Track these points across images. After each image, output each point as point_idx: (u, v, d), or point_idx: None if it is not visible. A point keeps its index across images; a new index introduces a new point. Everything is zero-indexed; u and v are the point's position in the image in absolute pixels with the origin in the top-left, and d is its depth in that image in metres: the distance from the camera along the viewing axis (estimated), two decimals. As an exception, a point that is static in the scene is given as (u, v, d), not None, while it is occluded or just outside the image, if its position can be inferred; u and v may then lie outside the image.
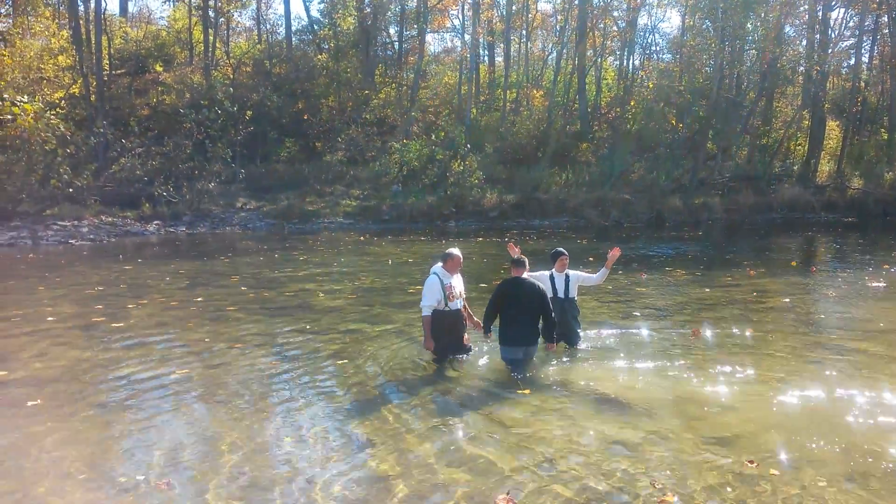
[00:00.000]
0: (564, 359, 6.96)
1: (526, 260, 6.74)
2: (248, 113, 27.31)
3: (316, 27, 38.47)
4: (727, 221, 26.97)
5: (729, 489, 4.12)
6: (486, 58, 40.89)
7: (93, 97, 26.98)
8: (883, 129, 35.95)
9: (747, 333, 8.21)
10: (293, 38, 37.06)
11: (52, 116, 22.10)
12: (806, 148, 33.95)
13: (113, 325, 8.67)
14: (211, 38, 32.93)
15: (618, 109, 36.02)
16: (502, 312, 6.59)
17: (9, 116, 21.09)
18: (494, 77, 38.70)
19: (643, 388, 6.05)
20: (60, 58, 26.53)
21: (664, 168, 30.28)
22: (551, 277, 7.26)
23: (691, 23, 34.04)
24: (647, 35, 41.51)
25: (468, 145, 28.25)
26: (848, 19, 36.64)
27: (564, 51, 37.14)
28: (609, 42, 38.62)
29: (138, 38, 34.46)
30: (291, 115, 31.18)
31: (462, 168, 27.02)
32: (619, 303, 10.40)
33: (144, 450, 4.75)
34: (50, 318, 9.02)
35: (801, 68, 32.02)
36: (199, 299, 10.52)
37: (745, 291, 11.40)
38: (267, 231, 23.01)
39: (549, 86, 36.28)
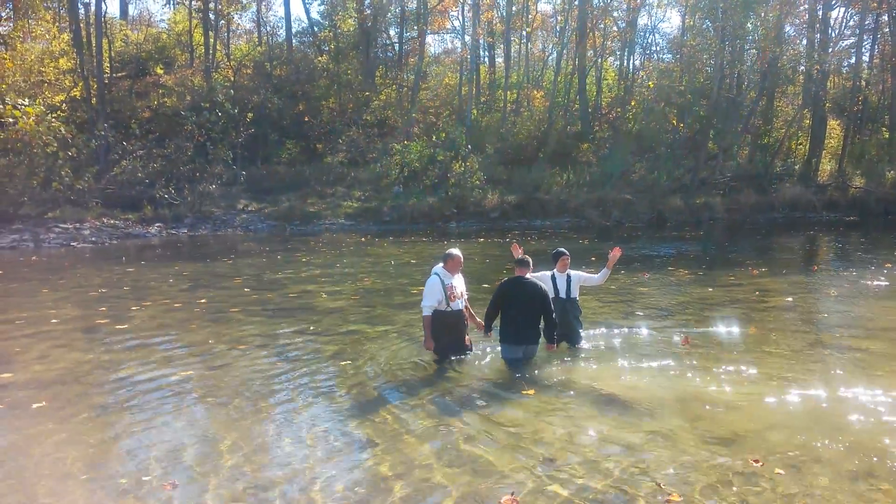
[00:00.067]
0: (566, 358, 6.95)
1: (530, 260, 6.74)
2: (249, 115, 27.37)
3: (316, 29, 38.54)
4: (728, 221, 26.95)
5: (735, 488, 4.11)
6: (486, 59, 40.94)
7: (94, 100, 27.03)
8: (884, 128, 35.93)
9: (750, 332, 8.20)
10: (293, 40, 37.13)
11: (53, 119, 22.17)
12: (807, 147, 33.94)
13: (116, 326, 8.68)
14: (211, 40, 32.99)
15: (618, 109, 36.03)
16: (503, 312, 6.59)
17: (10, 119, 21.16)
18: (495, 78, 38.74)
19: (645, 388, 6.03)
20: (61, 61, 26.61)
21: (665, 168, 30.27)
22: (553, 278, 7.26)
23: (691, 23, 34.05)
24: (648, 35, 41.60)
25: (469, 146, 28.26)
26: (848, 18, 36.73)
27: (565, 51, 37.16)
28: (609, 42, 38.64)
29: (139, 41, 34.51)
30: (292, 116, 31.24)
31: (463, 169, 27.03)
32: (621, 302, 10.39)
33: (146, 450, 4.75)
34: (53, 321, 9.03)
35: (802, 67, 32.04)
36: (201, 301, 10.53)
37: (747, 291, 11.39)
38: (268, 233, 23.03)
39: (550, 86, 36.30)
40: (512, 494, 4.01)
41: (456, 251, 6.73)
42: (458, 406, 5.66)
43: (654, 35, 43.23)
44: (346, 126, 31.16)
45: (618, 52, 39.59)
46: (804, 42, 33.20)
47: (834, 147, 35.26)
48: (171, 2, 38.71)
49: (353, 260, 16.05)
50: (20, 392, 6.07)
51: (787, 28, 34.04)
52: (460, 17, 39.99)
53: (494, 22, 38.03)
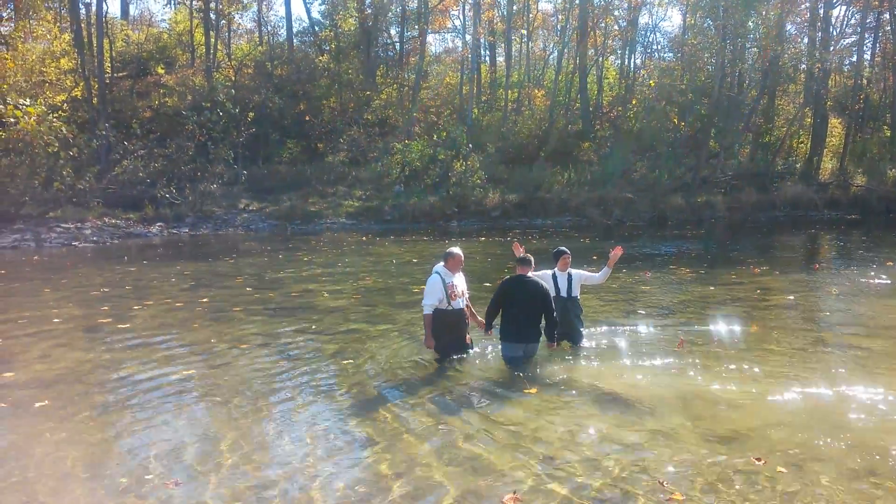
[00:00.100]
0: (567, 357, 6.95)
1: (531, 258, 6.74)
2: (250, 114, 27.38)
3: (317, 28, 38.54)
4: (730, 220, 26.91)
5: (736, 487, 4.10)
6: (487, 58, 40.92)
7: (95, 100, 27.05)
8: (885, 127, 35.86)
9: (751, 331, 8.20)
10: (294, 40, 37.15)
11: (54, 119, 22.17)
12: (808, 146, 33.90)
13: (118, 326, 8.69)
14: (212, 40, 32.99)
15: (619, 108, 36.00)
16: (504, 310, 6.59)
17: (11, 119, 21.18)
18: (496, 77, 38.72)
19: (647, 386, 6.03)
20: (62, 61, 26.62)
21: (666, 167, 30.24)
22: (554, 276, 7.25)
23: (692, 21, 34.00)
24: (649, 34, 41.63)
25: (470, 145, 28.24)
26: (849, 16, 36.68)
27: (566, 50, 37.14)
28: (610, 41, 38.60)
29: (140, 41, 34.52)
30: (293, 116, 31.24)
31: (464, 168, 27.02)
32: (622, 301, 10.38)
33: (146, 449, 4.75)
34: (56, 320, 9.04)
35: (803, 66, 31.99)
36: (203, 300, 10.54)
37: (748, 289, 11.38)
38: (269, 232, 23.04)
39: (551, 85, 36.28)
40: (514, 493, 4.01)
41: (457, 250, 6.73)
42: (458, 405, 5.65)
43: (655, 34, 43.38)
44: (346, 125, 31.17)
45: (619, 51, 39.60)
46: (805, 40, 33.18)
47: (835, 145, 35.21)
48: (172, 2, 38.78)
49: (355, 259, 16.05)
50: (22, 391, 6.08)
51: (789, 26, 34.07)
52: (461, 17, 40.09)
53: (495, 21, 38.00)
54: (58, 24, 29.88)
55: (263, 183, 27.18)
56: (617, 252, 7.22)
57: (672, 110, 32.77)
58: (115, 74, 31.24)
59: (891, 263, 14.01)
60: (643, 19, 39.36)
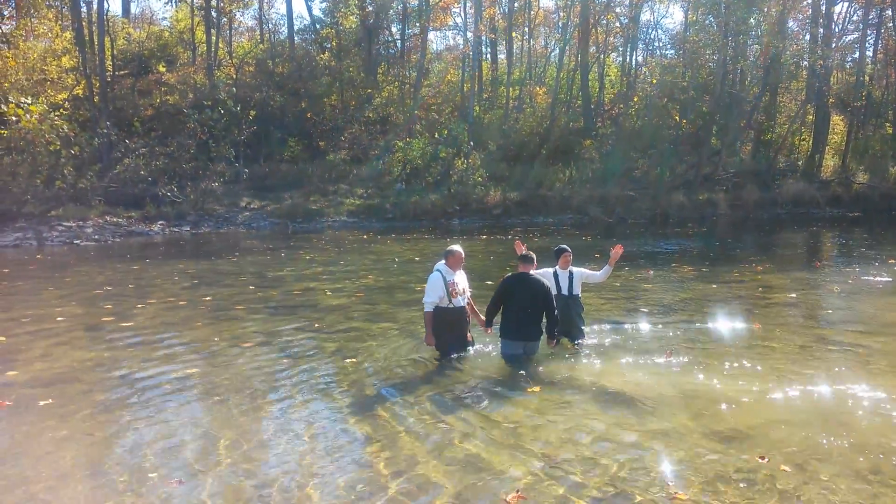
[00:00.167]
0: (568, 355, 6.94)
1: (533, 256, 6.73)
2: (251, 112, 27.34)
3: (318, 26, 38.49)
4: (731, 217, 26.88)
5: (740, 485, 4.09)
6: (488, 55, 40.85)
7: (96, 98, 27.04)
8: (888, 124, 35.76)
9: (753, 329, 8.18)
10: (295, 38, 37.13)
11: (55, 118, 22.17)
12: (810, 143, 33.82)
13: (120, 324, 8.70)
14: (213, 38, 32.97)
15: (621, 106, 35.94)
16: (506, 307, 6.58)
17: (13, 118, 21.18)
18: (497, 74, 38.66)
19: (649, 384, 6.01)
20: (64, 59, 26.60)
21: (668, 164, 30.20)
22: (555, 274, 7.25)
23: (694, 18, 33.92)
24: (650, 31, 41.54)
25: (471, 143, 28.22)
26: (851, 13, 36.54)
27: (567, 47, 37.09)
28: (612, 38, 38.54)
29: (141, 39, 34.51)
30: (294, 114, 31.23)
31: (465, 166, 27.00)
32: (624, 299, 10.37)
33: (147, 447, 4.75)
34: (57, 318, 9.04)
35: (805, 63, 31.89)
36: (206, 298, 10.54)
37: (750, 287, 11.36)
38: (271, 230, 23.04)
39: (552, 83, 36.21)
40: (517, 492, 4.01)
41: (457, 248, 6.72)
42: (457, 403, 5.65)
43: (656, 31, 43.27)
44: (348, 123, 31.16)
45: (620, 49, 39.52)
46: (807, 37, 33.10)
47: (837, 143, 35.13)
48: (173, -1, 38.73)
49: (356, 257, 16.05)
50: (23, 389, 6.08)
51: (790, 23, 33.96)
52: (462, 14, 39.97)
53: (496, 18, 37.94)
54: (59, 22, 29.87)
55: (265, 181, 27.20)
56: (618, 250, 7.22)
57: (673, 107, 32.72)
58: (117, 72, 31.25)
59: (893, 261, 13.98)
60: (645, 16, 39.50)
